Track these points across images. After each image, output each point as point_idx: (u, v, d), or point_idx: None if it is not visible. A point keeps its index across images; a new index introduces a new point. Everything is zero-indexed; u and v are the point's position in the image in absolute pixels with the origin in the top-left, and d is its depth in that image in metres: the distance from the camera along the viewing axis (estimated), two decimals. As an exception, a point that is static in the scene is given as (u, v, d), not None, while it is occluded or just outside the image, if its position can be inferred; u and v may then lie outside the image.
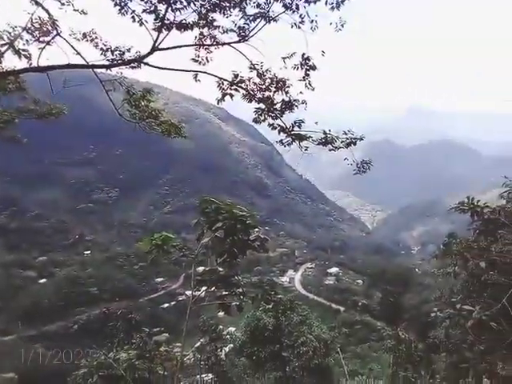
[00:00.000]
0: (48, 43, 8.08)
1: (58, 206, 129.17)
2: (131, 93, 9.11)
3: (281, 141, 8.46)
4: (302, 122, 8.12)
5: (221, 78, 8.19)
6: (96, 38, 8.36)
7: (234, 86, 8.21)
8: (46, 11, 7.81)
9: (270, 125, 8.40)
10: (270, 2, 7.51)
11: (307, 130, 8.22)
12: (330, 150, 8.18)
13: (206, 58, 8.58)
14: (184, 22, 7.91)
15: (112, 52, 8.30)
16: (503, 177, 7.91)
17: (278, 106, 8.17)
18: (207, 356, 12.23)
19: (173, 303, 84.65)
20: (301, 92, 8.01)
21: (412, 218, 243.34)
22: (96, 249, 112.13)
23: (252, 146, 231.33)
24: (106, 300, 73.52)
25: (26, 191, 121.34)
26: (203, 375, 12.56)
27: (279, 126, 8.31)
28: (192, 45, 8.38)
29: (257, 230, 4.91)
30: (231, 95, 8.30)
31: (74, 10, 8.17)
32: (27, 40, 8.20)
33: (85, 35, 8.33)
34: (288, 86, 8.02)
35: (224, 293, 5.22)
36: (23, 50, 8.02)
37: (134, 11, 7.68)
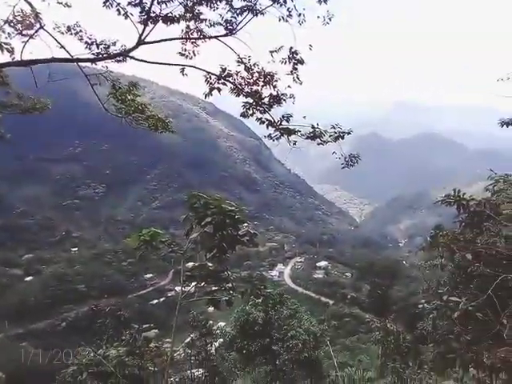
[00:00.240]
0: (31, 37, 7.89)
1: (44, 202, 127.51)
2: (117, 87, 8.97)
3: (269, 135, 8.44)
4: (290, 116, 8.11)
5: (208, 72, 8.11)
6: (81, 31, 8.19)
7: (222, 80, 8.15)
8: (29, 4, 7.62)
9: (258, 119, 8.37)
10: (257, -5, 7.46)
11: (295, 124, 8.22)
12: (318, 144, 8.19)
13: (193, 51, 8.49)
14: (170, 15, 7.81)
15: (97, 46, 8.16)
16: (489, 170, 8.02)
17: (266, 100, 8.13)
18: (197, 351, 12.24)
19: (162, 299, 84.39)
20: (289, 86, 8.00)
21: (399, 211, 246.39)
22: (83, 245, 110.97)
23: (240, 140, 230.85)
24: (95, 297, 72.91)
25: (10, 188, 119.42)
26: (194, 370, 12.58)
27: (267, 120, 8.29)
28: (178, 38, 8.28)
29: (246, 224, 4.90)
30: (219, 89, 8.24)
31: (58, 2, 8.00)
32: (9, 33, 8.00)
33: (69, 28, 8.15)
34: (276, 80, 7.99)
35: (214, 288, 5.22)
36: (5, 44, 7.83)
37: (119, 4, 7.55)
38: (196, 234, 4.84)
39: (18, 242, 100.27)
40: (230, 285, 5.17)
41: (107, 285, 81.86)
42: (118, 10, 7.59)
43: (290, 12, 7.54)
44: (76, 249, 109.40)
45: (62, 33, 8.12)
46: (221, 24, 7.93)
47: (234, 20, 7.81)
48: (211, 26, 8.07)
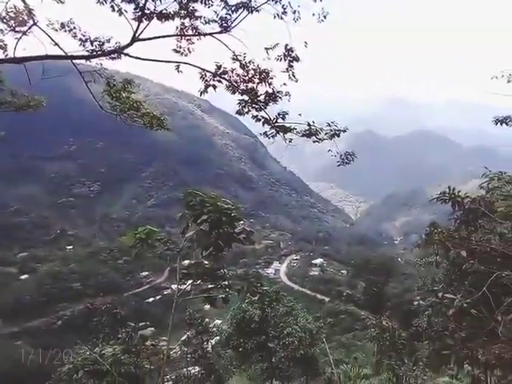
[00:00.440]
0: (24, 33, 7.81)
1: (38, 200, 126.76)
2: (111, 84, 8.91)
3: (265, 133, 8.42)
4: (286, 113, 8.10)
5: (203, 69, 8.08)
6: (74, 28, 8.12)
7: (217, 78, 8.12)
8: (22, 0, 7.55)
9: (253, 117, 8.35)
10: (252, -8, 7.43)
11: (291, 122, 8.21)
12: (314, 142, 8.19)
13: (188, 48, 8.45)
14: (165, 11, 7.76)
15: (91, 42, 8.09)
16: (483, 167, 8.06)
17: (261, 98, 8.11)
18: (194, 349, 12.25)
19: (158, 297, 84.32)
20: (284, 83, 7.99)
21: (394, 209, 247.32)
22: (78, 244, 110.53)
23: (236, 138, 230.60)
24: (90, 295, 72.77)
25: (4, 186, 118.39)
26: (190, 368, 12.58)
27: (263, 117, 8.27)
28: (173, 35, 8.23)
29: (242, 222, 4.90)
30: (214, 87, 8.21)
31: (51, -2, 7.92)
32: (2, 30, 7.91)
33: (63, 25, 8.08)
34: (271, 78, 7.97)
35: (210, 286, 5.21)
36: (-2, 40, 7.76)
37: (113, 0, 7.49)
38: (192, 231, 4.83)
39: (13, 240, 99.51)
40: (226, 282, 5.17)
41: (103, 283, 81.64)
42: (111, 6, 7.54)
43: (284, 9, 7.52)
44: (71, 247, 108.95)
45: (56, 30, 8.05)
46: (216, 21, 7.90)
47: (229, 17, 7.78)
48: (206, 23, 8.03)
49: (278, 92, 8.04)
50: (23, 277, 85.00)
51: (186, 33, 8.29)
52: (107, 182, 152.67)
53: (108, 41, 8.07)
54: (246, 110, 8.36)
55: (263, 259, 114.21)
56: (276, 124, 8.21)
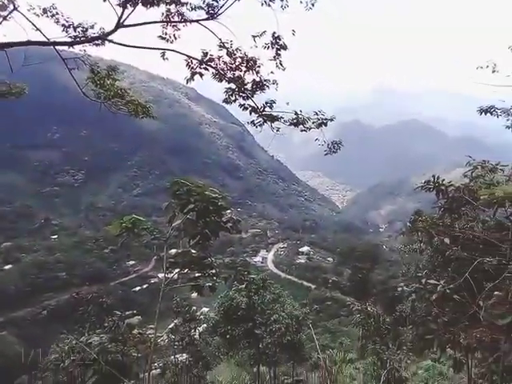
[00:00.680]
0: (5, 18, 7.57)
1: (22, 189, 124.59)
2: (95, 71, 8.73)
3: (252, 121, 8.39)
4: (274, 102, 8.08)
5: (189, 57, 7.97)
6: (57, 13, 7.90)
7: (204, 65, 8.02)
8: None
9: (240, 105, 8.30)
10: (239, -22, 7.32)
11: (278, 111, 8.19)
12: (301, 131, 8.21)
13: (174, 35, 8.32)
14: (150, -3, 7.61)
15: (74, 28, 7.90)
16: (467, 156, 8.19)
17: (248, 86, 8.07)
18: (181, 337, 12.29)
19: (145, 286, 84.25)
20: (272, 72, 7.94)
21: (380, 197, 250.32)
22: (63, 233, 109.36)
23: (223, 126, 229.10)
24: (76, 285, 72.20)
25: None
26: (177, 356, 12.65)
27: (250, 106, 8.23)
28: (159, 21, 8.09)
29: (229, 211, 4.90)
30: (201, 74, 8.12)
31: (32, -18, 7.68)
32: (-19, 15, 7.65)
33: (45, 10, 7.86)
34: (259, 66, 7.92)
35: (197, 274, 5.23)
36: (-23, 25, 7.51)
37: (96, -16, 7.30)
38: (179, 221, 4.81)
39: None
40: (213, 271, 5.18)
41: (89, 272, 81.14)
42: (95, -10, 7.35)
43: (272, -4, 7.44)
44: (56, 236, 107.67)
45: (38, 15, 7.82)
46: (202, 8, 7.78)
47: (215, 4, 7.67)
48: (192, 9, 7.90)
49: (265, 80, 8.00)
50: (7, 267, 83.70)
51: (171, 19, 8.15)
52: (92, 170, 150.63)
53: (92, 27, 7.89)
54: (233, 98, 8.31)
55: (250, 248, 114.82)
56: (263, 113, 8.19)
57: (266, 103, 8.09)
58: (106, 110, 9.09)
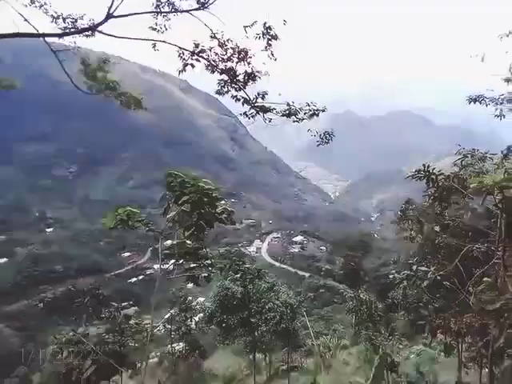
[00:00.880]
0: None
1: (15, 183, 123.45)
2: (86, 63, 8.66)
3: (245, 113, 8.39)
4: (266, 93, 8.08)
5: (181, 48, 7.93)
6: (45, 3, 7.81)
7: (195, 56, 7.98)
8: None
9: (233, 96, 8.29)
10: (230, -32, 7.28)
11: (271, 102, 8.21)
12: (293, 122, 8.23)
13: (165, 26, 8.26)
14: (140, -13, 7.54)
15: (64, 19, 7.80)
16: (457, 145, 8.31)
17: (240, 78, 8.06)
18: (177, 326, 12.46)
19: (141, 277, 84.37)
20: (263, 63, 7.93)
21: (372, 187, 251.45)
22: (58, 226, 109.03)
23: (216, 118, 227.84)
24: (72, 277, 72.30)
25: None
26: (174, 345, 12.82)
27: (243, 97, 8.23)
28: (149, 12, 8.01)
29: (223, 202, 4.96)
30: (192, 65, 8.07)
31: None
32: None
33: (33, 1, 7.76)
34: (250, 57, 7.90)
35: (192, 265, 5.30)
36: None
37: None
38: (173, 212, 4.87)
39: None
40: (208, 261, 5.26)
41: (84, 265, 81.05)
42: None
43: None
44: (51, 229, 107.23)
45: (25, 5, 7.72)
46: (193, -3, 7.72)
47: (206, -7, 7.61)
48: (182, -1, 7.84)
49: (257, 71, 7.99)
50: (2, 260, 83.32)
51: (162, 9, 8.08)
52: (85, 163, 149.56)
53: (81, 18, 7.79)
54: (225, 89, 8.29)
55: (245, 238, 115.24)
56: (255, 104, 8.20)
57: (258, 94, 8.09)
58: (99, 103, 9.05)
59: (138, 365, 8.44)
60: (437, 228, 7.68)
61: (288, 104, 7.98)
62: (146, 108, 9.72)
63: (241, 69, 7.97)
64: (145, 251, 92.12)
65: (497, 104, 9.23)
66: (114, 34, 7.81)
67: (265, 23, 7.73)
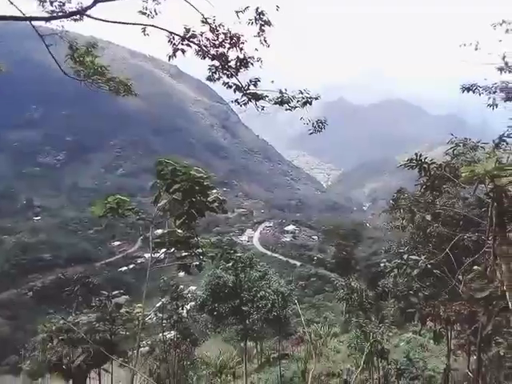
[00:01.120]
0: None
1: (2, 170, 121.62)
2: (74, 48, 8.44)
3: (236, 100, 8.27)
4: (258, 80, 7.96)
5: (171, 33, 7.75)
6: (31, -15, 7.55)
7: (186, 42, 7.81)
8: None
9: (224, 83, 8.16)
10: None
11: (263, 90, 8.09)
12: (286, 110, 8.13)
13: (155, 10, 8.05)
14: (129, -31, 7.31)
15: (51, 3, 7.56)
16: (450, 134, 8.30)
17: (232, 64, 7.92)
18: (169, 315, 12.45)
19: (131, 266, 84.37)
20: (256, 49, 7.79)
21: (364, 176, 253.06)
22: (46, 214, 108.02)
23: (207, 105, 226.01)
24: (61, 266, 71.99)
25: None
26: (165, 333, 12.84)
27: (234, 84, 8.10)
28: (139, -5, 7.81)
29: (215, 191, 4.90)
30: (183, 51, 7.91)
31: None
32: None
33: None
34: (242, 43, 7.76)
35: (184, 254, 5.25)
36: None
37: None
38: (164, 201, 4.79)
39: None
40: (200, 250, 5.22)
41: (74, 253, 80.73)
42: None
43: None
44: (39, 218, 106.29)
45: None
46: (184, -20, 7.52)
47: (197, -24, 7.42)
48: (174, -19, 7.63)
49: (249, 58, 7.85)
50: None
51: (152, -8, 7.87)
52: (74, 150, 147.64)
53: (69, 1, 7.56)
54: (216, 76, 8.15)
55: (237, 227, 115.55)
56: (248, 91, 8.07)
57: (251, 81, 7.96)
58: (87, 89, 8.84)
59: (129, 353, 8.43)
60: (428, 217, 7.71)
61: (281, 92, 7.88)
62: (135, 94, 9.56)
63: (233, 55, 7.83)
64: (135, 240, 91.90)
65: (490, 93, 9.24)
66: (103, 18, 7.59)
67: (257, 8, 7.57)
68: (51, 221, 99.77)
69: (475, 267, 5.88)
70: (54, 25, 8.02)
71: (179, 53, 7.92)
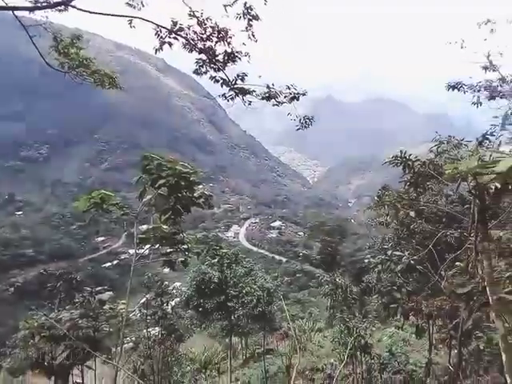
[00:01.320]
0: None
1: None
2: (59, 39, 8.24)
3: (223, 94, 8.20)
4: (246, 75, 7.91)
5: (158, 25, 7.63)
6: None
7: (173, 35, 7.71)
8: None
9: (211, 77, 8.08)
10: None
11: (250, 84, 8.04)
12: (273, 105, 8.11)
13: (142, 2, 7.92)
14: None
15: (35, -8, 7.35)
16: (434, 132, 8.41)
17: (220, 58, 7.85)
18: (153, 311, 12.37)
19: (115, 262, 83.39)
20: (244, 43, 7.74)
21: (350, 173, 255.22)
22: (28, 209, 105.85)
23: (194, 99, 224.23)
24: (43, 261, 70.80)
25: None
26: (150, 329, 12.76)
27: (222, 78, 8.03)
28: (125, -14, 7.67)
29: (201, 186, 4.86)
30: (170, 44, 7.80)
31: None
32: None
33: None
34: (230, 37, 7.69)
35: (169, 250, 5.20)
36: None
37: None
38: (149, 196, 4.73)
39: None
40: (185, 246, 5.18)
41: (56, 249, 79.45)
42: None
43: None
44: (21, 213, 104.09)
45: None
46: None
47: (185, -32, 7.31)
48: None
49: (237, 52, 7.79)
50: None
51: (138, -16, 7.74)
52: (57, 144, 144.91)
53: (53, -10, 7.37)
54: (203, 69, 8.06)
55: (223, 223, 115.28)
56: (235, 86, 8.02)
57: (238, 76, 7.91)
58: (71, 81, 8.66)
59: (113, 350, 8.35)
60: (412, 213, 7.82)
61: (268, 87, 7.85)
62: (121, 87, 9.40)
63: (220, 49, 7.76)
64: (119, 236, 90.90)
65: (474, 91, 9.37)
66: (89, 9, 7.43)
67: (245, 3, 7.51)
68: (33, 216, 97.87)
69: (457, 263, 5.99)
70: (38, 15, 7.81)
71: (166, 46, 7.81)
